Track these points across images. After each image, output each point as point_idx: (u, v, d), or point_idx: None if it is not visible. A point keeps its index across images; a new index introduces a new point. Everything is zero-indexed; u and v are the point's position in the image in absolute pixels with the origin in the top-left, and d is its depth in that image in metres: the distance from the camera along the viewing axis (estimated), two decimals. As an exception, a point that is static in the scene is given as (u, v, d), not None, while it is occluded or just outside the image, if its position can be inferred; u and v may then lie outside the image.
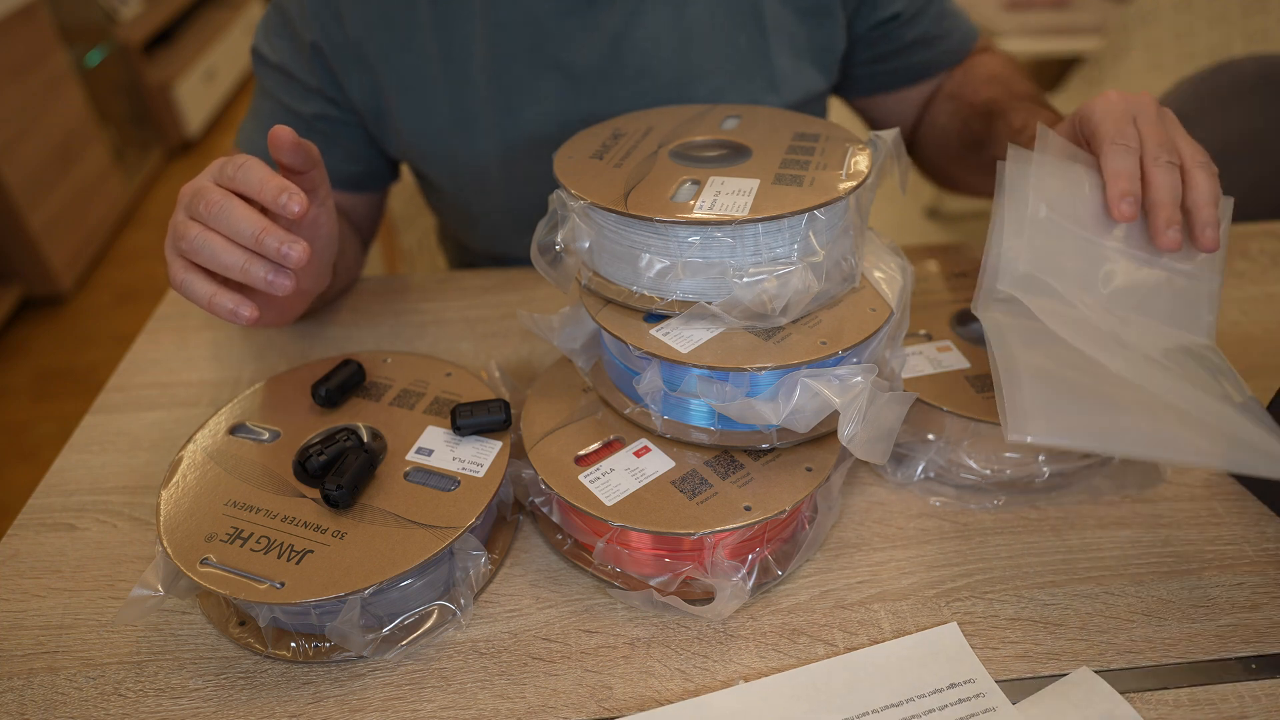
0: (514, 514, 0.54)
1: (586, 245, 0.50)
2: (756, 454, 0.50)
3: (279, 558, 0.44)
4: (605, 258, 0.50)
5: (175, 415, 0.63)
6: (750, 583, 0.47)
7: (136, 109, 2.75)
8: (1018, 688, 0.44)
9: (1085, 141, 0.54)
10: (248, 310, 0.49)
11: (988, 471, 0.54)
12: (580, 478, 0.49)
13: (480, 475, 0.49)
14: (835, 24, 0.74)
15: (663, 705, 0.43)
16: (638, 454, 0.50)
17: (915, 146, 0.84)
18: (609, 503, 0.47)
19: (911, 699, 0.43)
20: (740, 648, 0.46)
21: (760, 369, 0.45)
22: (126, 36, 2.65)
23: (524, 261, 0.59)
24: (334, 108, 0.72)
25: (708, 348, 0.47)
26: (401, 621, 0.47)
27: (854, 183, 0.48)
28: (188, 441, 0.52)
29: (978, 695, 0.43)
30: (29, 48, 2.11)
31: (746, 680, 0.45)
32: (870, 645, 0.46)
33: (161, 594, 0.45)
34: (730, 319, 0.47)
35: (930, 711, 0.42)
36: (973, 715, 0.42)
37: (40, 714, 0.44)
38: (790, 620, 0.48)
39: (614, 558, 0.50)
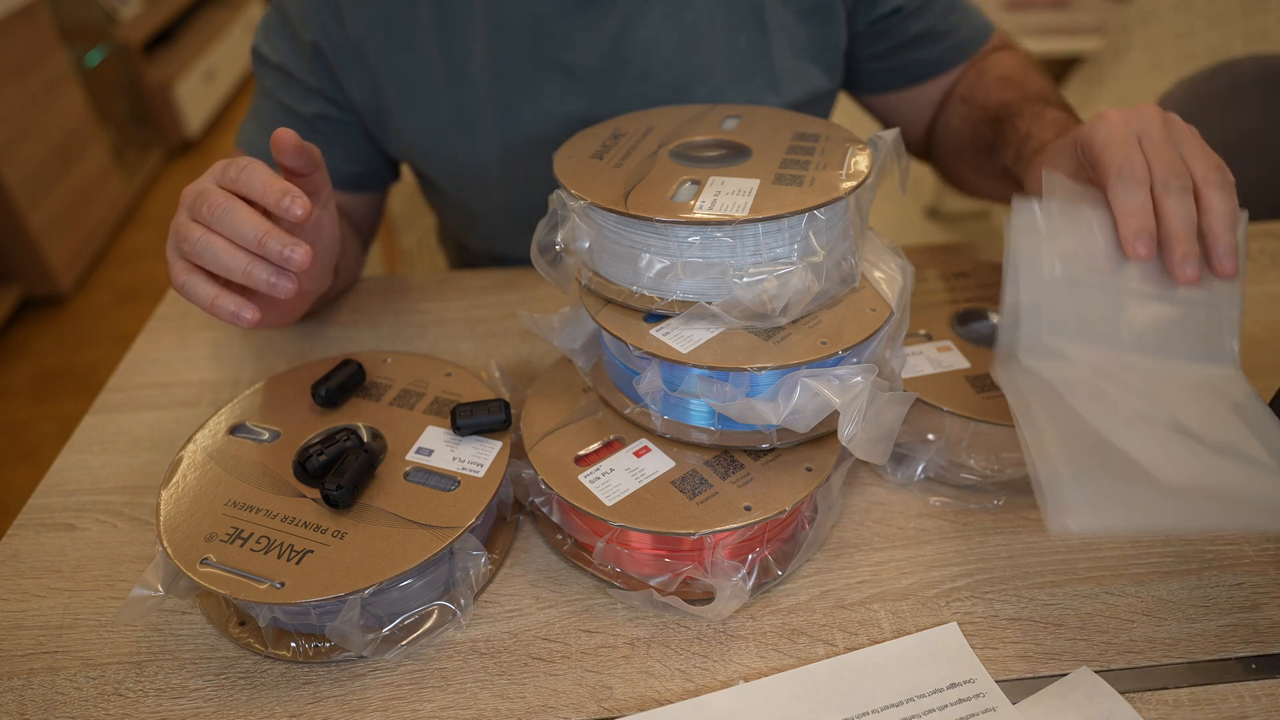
0: (514, 514, 0.54)
1: (586, 245, 0.50)
2: (756, 454, 0.50)
3: (279, 558, 0.44)
4: (605, 258, 0.50)
5: (175, 415, 0.63)
6: (750, 583, 0.47)
7: (136, 109, 2.75)
8: (1018, 688, 0.44)
9: (1088, 169, 0.51)
10: (249, 313, 0.49)
11: (988, 471, 0.54)
12: (580, 478, 0.49)
13: (480, 475, 0.49)
14: (836, 21, 0.73)
15: (663, 705, 0.43)
16: (638, 454, 0.50)
17: (930, 149, 0.83)
18: (609, 503, 0.47)
19: (911, 699, 0.43)
20: (740, 648, 0.46)
21: (760, 369, 0.45)
22: (126, 36, 2.65)
23: (524, 261, 0.59)
24: (334, 108, 0.72)
25: (708, 348, 0.47)
26: (401, 621, 0.47)
27: (854, 183, 0.48)
28: (188, 441, 0.52)
29: (978, 695, 0.43)
30: (29, 48, 2.11)
31: (746, 680, 0.45)
32: (870, 645, 0.46)
33: (161, 594, 0.45)
34: (730, 319, 0.47)
35: (930, 711, 0.42)
36: (973, 715, 0.42)
37: (40, 714, 0.44)
38: (790, 620, 0.48)
39: (614, 558, 0.50)
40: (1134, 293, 0.48)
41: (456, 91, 0.70)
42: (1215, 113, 1.07)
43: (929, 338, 0.60)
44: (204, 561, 0.44)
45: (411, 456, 0.51)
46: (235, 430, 0.53)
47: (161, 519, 0.46)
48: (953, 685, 0.44)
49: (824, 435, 0.51)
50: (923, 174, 1.60)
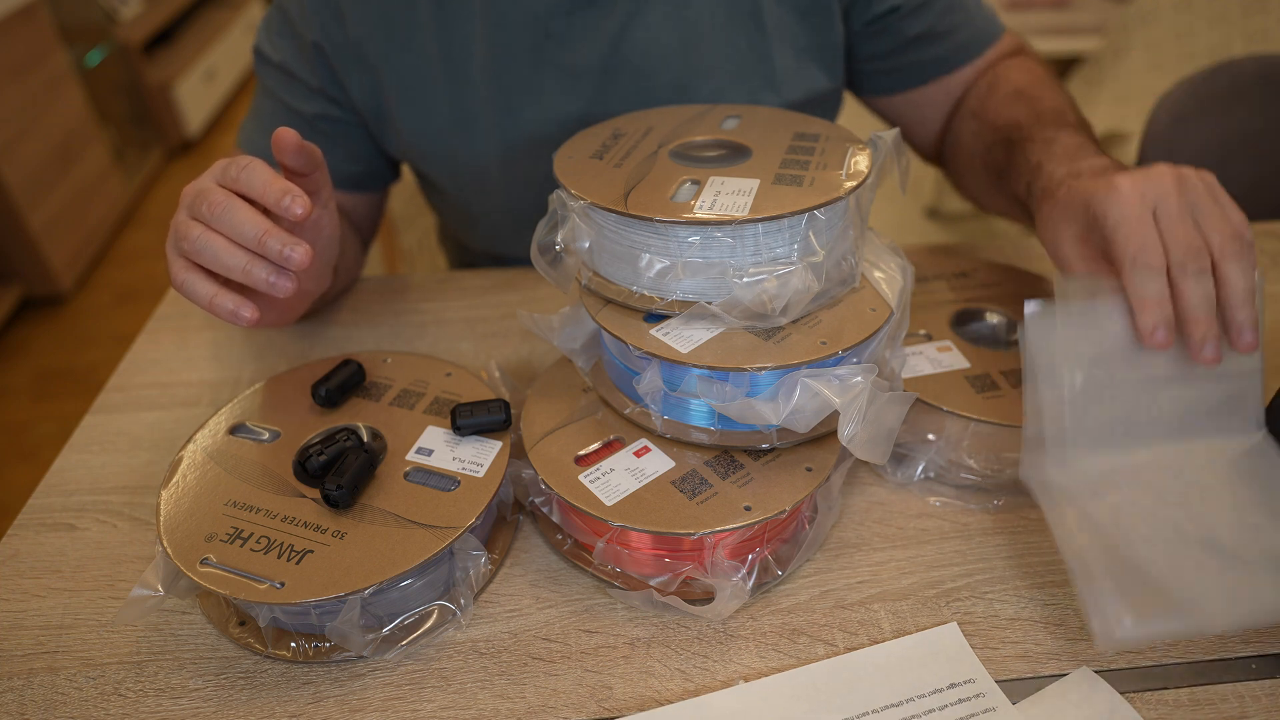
0: (514, 514, 0.54)
1: (586, 245, 0.50)
2: (756, 454, 0.50)
3: (279, 558, 0.44)
4: (605, 258, 0.50)
5: (175, 415, 0.63)
6: (750, 583, 0.47)
7: (136, 109, 2.75)
8: (1018, 688, 0.44)
9: (1102, 246, 0.49)
10: (248, 311, 0.49)
11: (988, 471, 0.54)
12: (580, 478, 0.49)
13: (480, 475, 0.49)
14: (833, 20, 0.72)
15: (663, 705, 0.43)
16: (638, 454, 0.50)
17: (943, 159, 0.81)
18: (609, 503, 0.47)
19: (911, 699, 0.43)
20: (740, 648, 0.46)
21: (760, 369, 0.45)
22: (126, 36, 2.65)
23: (524, 261, 0.59)
24: (335, 107, 0.72)
25: (708, 348, 0.47)
26: (401, 621, 0.47)
27: (854, 183, 0.48)
28: (188, 441, 0.52)
29: (978, 695, 0.43)
30: (29, 48, 2.11)
31: (746, 680, 0.45)
32: (870, 645, 0.46)
33: (161, 594, 0.45)
34: (730, 319, 0.47)
35: (930, 711, 0.42)
36: (973, 715, 0.42)
37: (40, 714, 0.44)
38: (790, 620, 0.48)
39: (614, 558, 0.50)
40: (1154, 379, 0.47)
41: (456, 91, 0.70)
42: (1215, 113, 1.07)
43: (929, 338, 0.60)
44: (204, 561, 0.44)
45: (411, 456, 0.51)
46: (235, 430, 0.53)
47: (161, 519, 0.46)
48: (953, 685, 0.44)
49: (824, 435, 0.51)
50: (923, 174, 1.60)
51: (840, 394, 0.45)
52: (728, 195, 0.47)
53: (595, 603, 0.49)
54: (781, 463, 0.50)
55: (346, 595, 0.43)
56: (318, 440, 0.52)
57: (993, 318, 0.63)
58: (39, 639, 0.48)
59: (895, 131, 0.51)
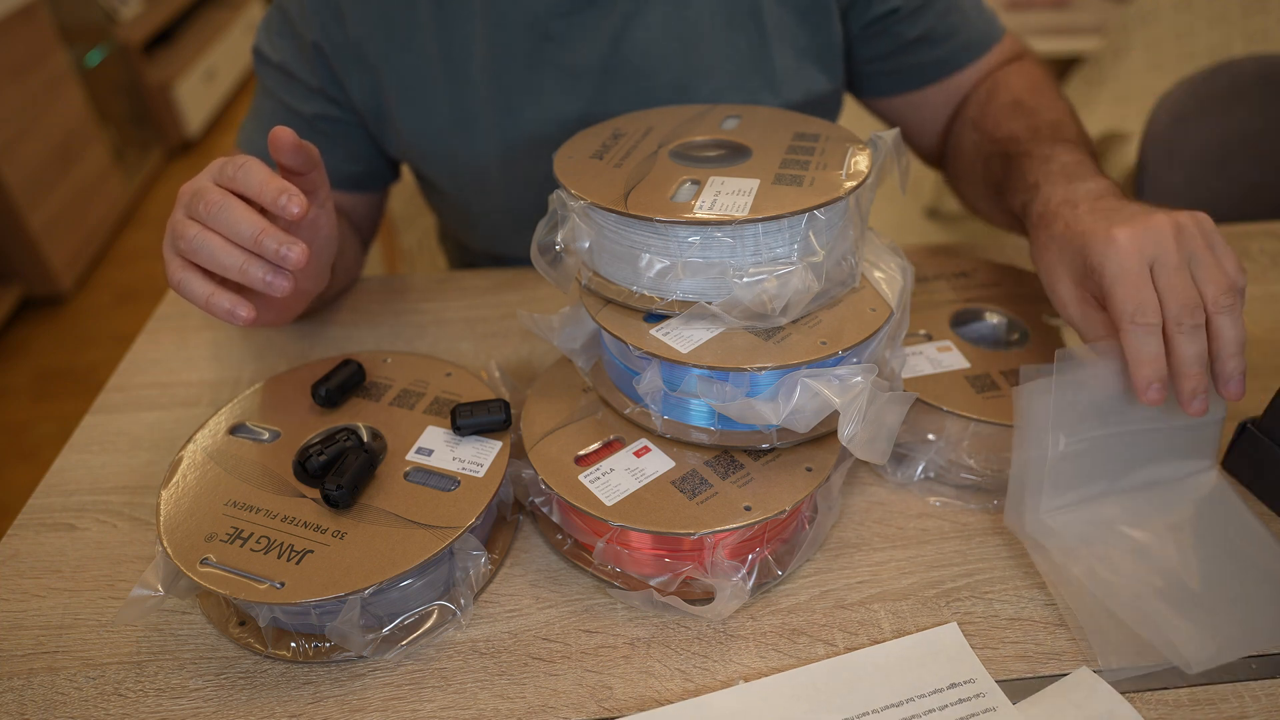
0: (514, 514, 0.54)
1: (586, 245, 0.50)
2: (756, 454, 0.50)
3: (279, 558, 0.44)
4: (605, 258, 0.50)
5: (175, 415, 0.63)
6: (750, 583, 0.47)
7: (136, 109, 2.75)
8: (1018, 688, 0.44)
9: (1097, 292, 0.50)
10: (245, 310, 0.49)
11: (988, 471, 0.54)
12: (580, 478, 0.49)
13: (480, 475, 0.49)
14: (832, 21, 0.72)
15: (663, 705, 0.43)
16: (638, 454, 0.50)
17: (945, 168, 0.81)
18: (609, 503, 0.47)
19: (911, 699, 0.43)
20: (740, 648, 0.46)
21: (760, 369, 0.45)
22: (126, 36, 2.65)
23: (524, 261, 0.59)
24: (335, 108, 0.72)
25: (708, 348, 0.47)
26: (401, 621, 0.47)
27: (854, 183, 0.48)
28: (188, 441, 0.52)
29: (978, 695, 0.43)
30: (29, 48, 2.11)
31: (746, 680, 0.45)
32: (870, 645, 0.46)
33: (161, 594, 0.45)
34: (730, 319, 0.47)
35: (930, 711, 0.42)
36: (973, 715, 0.42)
37: (40, 714, 0.44)
38: (790, 620, 0.48)
39: (614, 558, 0.50)
40: (1125, 434, 0.51)
41: (456, 91, 0.70)
42: (1215, 113, 1.07)
43: (929, 338, 0.60)
44: (204, 561, 0.44)
45: (411, 456, 0.51)
46: (235, 430, 0.53)
47: (161, 519, 0.46)
48: (953, 685, 0.44)
49: (824, 435, 0.51)
50: (923, 174, 1.60)
51: (840, 394, 0.45)
52: (728, 195, 0.47)
53: (595, 603, 0.49)
54: (781, 463, 0.50)
55: (346, 595, 0.43)
56: (318, 440, 0.52)
57: (993, 318, 0.63)
58: (39, 639, 0.48)
59: (895, 131, 0.51)
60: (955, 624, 0.47)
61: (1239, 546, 0.49)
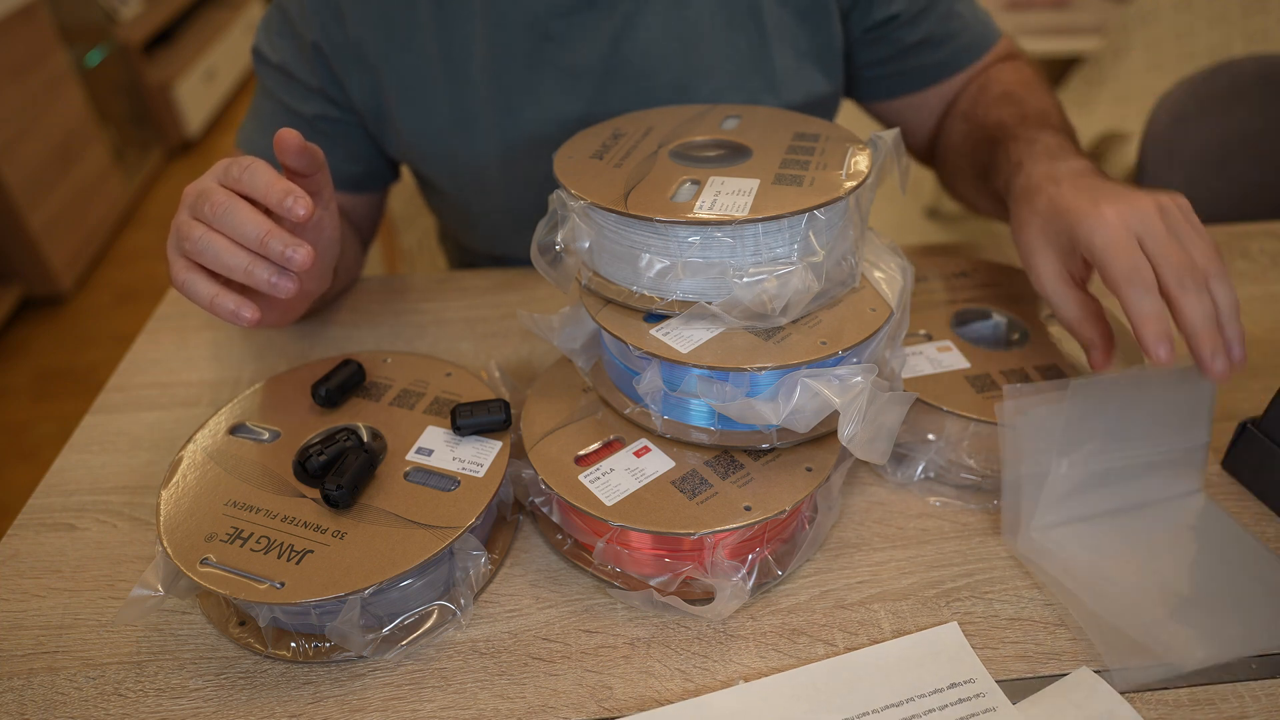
0: (514, 514, 0.54)
1: (586, 245, 0.50)
2: (756, 454, 0.50)
3: (279, 558, 0.44)
4: (605, 258, 0.50)
5: (175, 415, 0.63)
6: (750, 583, 0.47)
7: (136, 109, 2.75)
8: (1018, 688, 0.44)
9: (1082, 268, 0.52)
10: (249, 312, 0.49)
11: (988, 471, 0.54)
12: (580, 478, 0.49)
13: (480, 475, 0.49)
14: (832, 23, 0.73)
15: (663, 705, 0.43)
16: (638, 454, 0.50)
17: (934, 162, 0.82)
18: (609, 503, 0.47)
19: (911, 699, 0.43)
20: (740, 648, 0.46)
21: (760, 369, 0.45)
22: (126, 36, 2.65)
23: (524, 262, 0.59)
24: (335, 108, 0.72)
25: (708, 348, 0.47)
26: (401, 621, 0.47)
27: (854, 183, 0.48)
28: (188, 441, 0.52)
29: (978, 695, 0.43)
30: (29, 48, 2.11)
31: (746, 680, 0.45)
32: (870, 645, 0.46)
33: (161, 594, 0.45)
34: (730, 319, 0.47)
35: (930, 711, 0.42)
36: (973, 715, 0.42)
37: (40, 714, 0.44)
38: (790, 620, 0.48)
39: (614, 558, 0.50)
40: (1119, 455, 0.51)
41: (456, 92, 0.70)
42: (1215, 113, 1.07)
43: (929, 338, 0.60)
44: (204, 561, 0.44)
45: (411, 456, 0.51)
46: (235, 430, 0.53)
47: (161, 519, 0.46)
48: (953, 685, 0.44)
49: (824, 435, 0.51)
50: (923, 174, 1.60)
51: (840, 394, 0.45)
52: (728, 195, 0.47)
53: (595, 603, 0.49)
54: (781, 463, 0.50)
55: (346, 595, 0.43)
56: (318, 440, 0.52)
57: (993, 318, 0.63)
58: (39, 639, 0.48)
59: (895, 132, 0.51)
60: (955, 624, 0.47)
61: (1233, 556, 0.50)
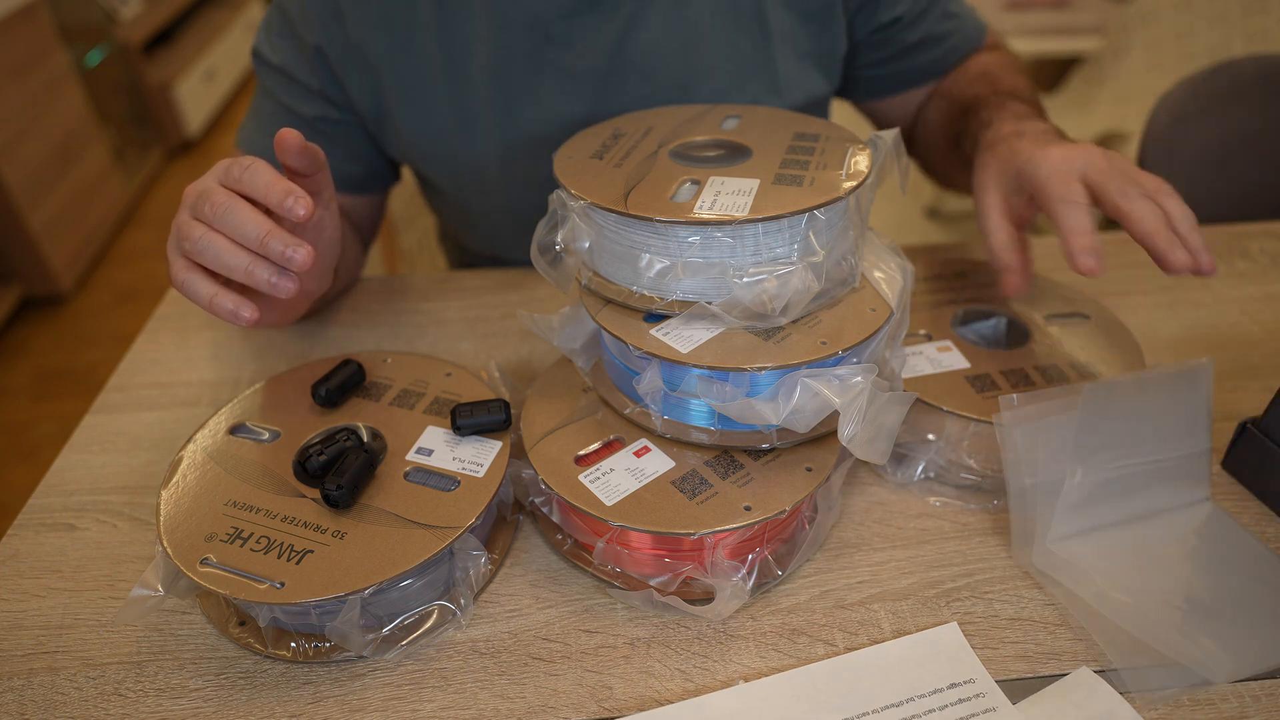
0: (514, 514, 0.54)
1: (586, 245, 0.50)
2: (756, 454, 0.50)
3: (279, 558, 0.44)
4: (605, 258, 0.50)
5: (175, 415, 0.63)
6: (750, 583, 0.47)
7: (136, 109, 2.75)
8: (1018, 688, 0.44)
9: (1026, 204, 0.56)
10: (248, 311, 0.49)
11: (988, 471, 0.54)
12: (580, 478, 0.49)
13: (480, 475, 0.49)
14: (837, 27, 0.73)
15: (663, 705, 0.43)
16: (638, 454, 0.50)
17: (911, 143, 0.84)
18: (609, 503, 0.47)
19: (911, 699, 0.43)
20: (740, 648, 0.46)
21: (760, 369, 0.45)
22: (126, 36, 2.65)
23: (524, 262, 0.59)
24: (335, 109, 0.72)
25: (708, 348, 0.47)
26: (401, 621, 0.47)
27: (854, 183, 0.48)
28: (188, 441, 0.52)
29: (978, 695, 0.43)
30: (29, 48, 2.11)
31: (746, 680, 0.45)
32: (870, 645, 0.46)
33: (161, 594, 0.45)
34: (730, 319, 0.47)
35: (930, 711, 0.42)
36: (973, 715, 0.42)
37: (40, 714, 0.44)
38: (790, 620, 0.48)
39: (614, 558, 0.50)
40: (1125, 464, 0.51)
41: (457, 92, 0.70)
42: (1215, 113, 1.07)
43: (929, 338, 0.60)
44: (204, 561, 0.44)
45: (411, 456, 0.51)
46: (235, 430, 0.53)
47: (161, 519, 0.46)
48: (953, 685, 0.44)
49: (824, 435, 0.51)
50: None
51: (840, 394, 0.45)
52: (728, 195, 0.47)
53: (595, 603, 0.49)
54: (781, 463, 0.50)
55: (346, 595, 0.43)
56: (318, 440, 0.52)
57: (993, 318, 0.63)
58: (39, 639, 0.48)
59: (895, 131, 0.51)
60: (955, 624, 0.47)
61: (1246, 566, 0.50)
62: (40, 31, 2.16)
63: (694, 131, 0.56)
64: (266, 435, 0.53)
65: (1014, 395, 0.48)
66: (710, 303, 0.47)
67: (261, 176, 0.48)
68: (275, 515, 0.47)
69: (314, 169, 0.53)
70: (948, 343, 0.59)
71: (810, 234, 0.47)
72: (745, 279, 0.46)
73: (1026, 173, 0.54)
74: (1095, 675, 0.44)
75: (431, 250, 1.19)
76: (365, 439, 0.52)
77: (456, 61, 0.69)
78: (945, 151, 0.75)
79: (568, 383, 0.56)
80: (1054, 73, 2.01)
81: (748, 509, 0.46)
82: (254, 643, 0.46)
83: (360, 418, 0.54)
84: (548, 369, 0.58)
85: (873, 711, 0.43)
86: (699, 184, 0.49)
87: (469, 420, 0.52)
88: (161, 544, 0.45)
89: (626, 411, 0.52)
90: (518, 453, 0.52)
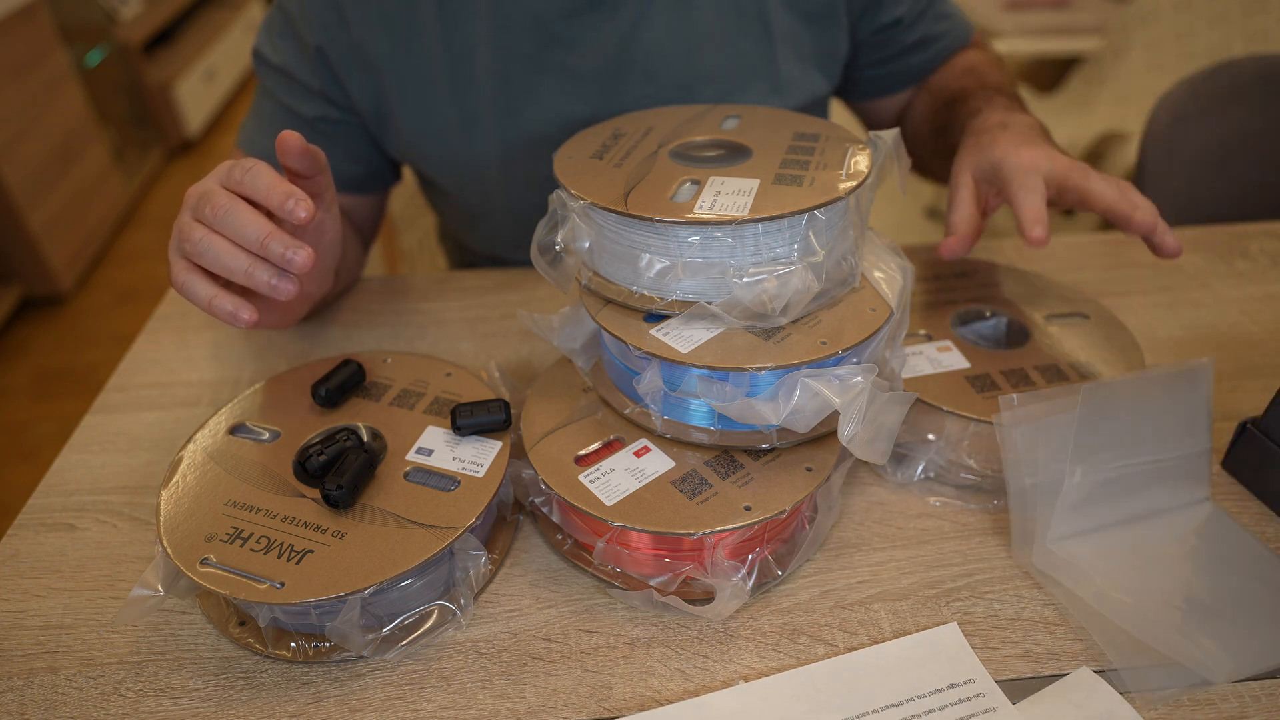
0: (514, 514, 0.54)
1: (586, 245, 0.50)
2: (756, 454, 0.50)
3: (279, 558, 0.44)
4: (605, 258, 0.50)
5: (175, 415, 0.63)
6: (750, 583, 0.47)
7: (136, 109, 2.76)
8: (1018, 688, 0.44)
9: (998, 192, 0.59)
10: (247, 313, 0.49)
11: (988, 471, 0.54)
12: (580, 478, 0.49)
13: (480, 475, 0.49)
14: (840, 29, 0.74)
15: (663, 705, 0.43)
16: (638, 454, 0.50)
17: None
18: (609, 503, 0.47)
19: (911, 699, 0.43)
20: (740, 648, 0.46)
21: (760, 369, 0.45)
22: (126, 36, 2.65)
23: (524, 262, 0.59)
24: (335, 109, 0.72)
25: (708, 348, 0.47)
26: (401, 621, 0.47)
27: (854, 183, 0.48)
28: (188, 441, 0.52)
29: (978, 695, 0.43)
30: (29, 48, 2.11)
31: (746, 680, 0.45)
32: (870, 645, 0.46)
33: (161, 594, 0.45)
34: (730, 319, 0.47)
35: (930, 711, 0.42)
36: (973, 715, 0.42)
37: (40, 714, 0.44)
38: (790, 620, 0.48)
39: (614, 558, 0.50)
40: (1126, 464, 0.51)
41: (459, 92, 0.70)
42: (1215, 113, 1.07)
43: (929, 338, 0.60)
44: (204, 561, 0.44)
45: (411, 456, 0.51)
46: (235, 430, 0.53)
47: (161, 519, 0.46)
48: (953, 685, 0.44)
49: (824, 435, 0.51)
50: (923, 174, 1.60)
51: (840, 394, 0.45)
52: (728, 195, 0.47)
53: (595, 603, 0.49)
54: (781, 463, 0.50)
55: (346, 595, 0.43)
56: (318, 440, 0.52)
57: (993, 318, 0.63)
58: (39, 639, 0.48)
59: (895, 131, 0.51)
60: (955, 624, 0.47)
61: (1246, 566, 0.50)
62: (40, 31, 2.16)
63: (694, 131, 0.56)
64: (266, 435, 0.53)
65: (1014, 395, 0.48)
66: (710, 303, 0.47)
67: (262, 179, 0.48)
68: (275, 515, 0.47)
69: (315, 171, 0.53)
70: (948, 343, 0.59)
71: (810, 234, 0.47)
72: (745, 279, 0.46)
73: (999, 165, 0.58)
74: (1095, 675, 0.44)
75: (432, 250, 1.19)
76: (365, 439, 0.52)
77: (458, 62, 0.69)
78: (928, 141, 0.78)
79: (568, 383, 0.56)
80: (1054, 73, 2.01)
81: (748, 509, 0.46)
82: (254, 643, 0.46)
83: (360, 418, 0.54)
84: (548, 369, 0.58)
85: (873, 711, 0.43)
86: (699, 184, 0.49)
87: (469, 420, 0.52)
88: (161, 544, 0.45)
89: (626, 411, 0.52)
90: (518, 453, 0.52)
